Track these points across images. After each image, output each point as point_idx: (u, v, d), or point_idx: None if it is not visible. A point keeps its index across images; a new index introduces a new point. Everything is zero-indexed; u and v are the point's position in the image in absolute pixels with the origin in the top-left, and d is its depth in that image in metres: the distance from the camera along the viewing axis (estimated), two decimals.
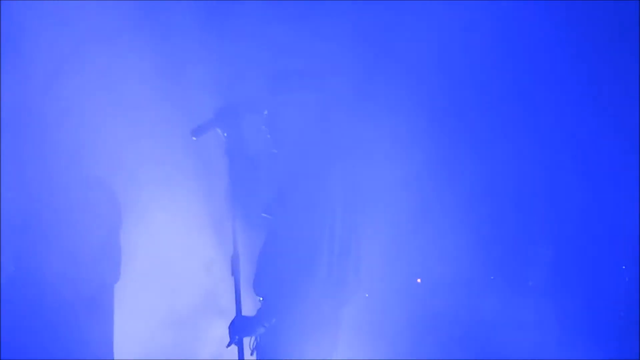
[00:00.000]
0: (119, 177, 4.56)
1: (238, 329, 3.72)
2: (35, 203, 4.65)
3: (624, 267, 4.97)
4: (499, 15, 4.85)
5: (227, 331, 3.73)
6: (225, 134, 3.92)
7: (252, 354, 3.77)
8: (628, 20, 4.92)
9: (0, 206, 4.64)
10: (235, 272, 3.80)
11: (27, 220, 4.68)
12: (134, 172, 4.63)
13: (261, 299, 3.81)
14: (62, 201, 4.55)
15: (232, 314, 3.74)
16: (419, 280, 5.07)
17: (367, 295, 4.99)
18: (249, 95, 4.07)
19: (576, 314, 4.97)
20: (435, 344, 4.92)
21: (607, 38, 4.95)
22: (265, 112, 3.92)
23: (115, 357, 4.49)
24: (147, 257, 4.64)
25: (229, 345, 3.73)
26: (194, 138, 3.90)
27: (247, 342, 3.74)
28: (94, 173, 4.54)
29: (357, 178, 4.17)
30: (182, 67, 4.77)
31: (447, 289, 4.96)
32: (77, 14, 4.67)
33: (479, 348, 4.89)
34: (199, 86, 4.70)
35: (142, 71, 4.66)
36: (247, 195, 3.92)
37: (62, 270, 4.48)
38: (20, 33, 4.70)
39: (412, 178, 4.86)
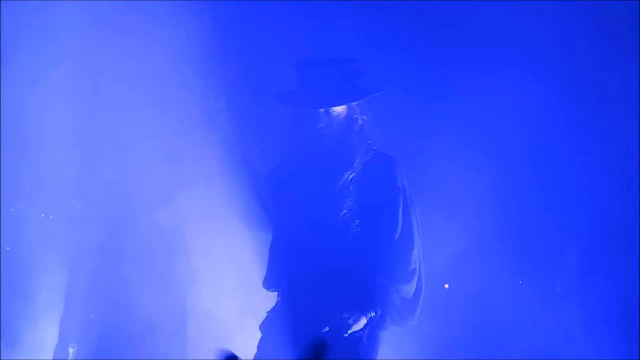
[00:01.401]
0: (123, 176, 4.58)
1: None
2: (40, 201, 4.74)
3: None
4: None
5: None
6: None
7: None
8: (628, 20, 4.95)
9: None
10: None
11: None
12: (137, 172, 4.63)
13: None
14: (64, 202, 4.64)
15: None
16: (446, 286, 5.07)
17: None
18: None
19: (604, 318, 4.96)
20: (461, 348, 4.92)
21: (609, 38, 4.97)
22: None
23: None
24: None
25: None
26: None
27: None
28: (96, 172, 4.60)
29: None
30: (186, 67, 4.79)
31: (474, 293, 4.95)
32: (77, 14, 4.74)
33: (506, 351, 4.89)
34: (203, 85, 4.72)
35: (145, 70, 4.72)
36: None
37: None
38: (20, 33, 4.78)
39: (438, 182, 4.88)
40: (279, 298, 3.87)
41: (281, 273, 3.86)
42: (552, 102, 5.01)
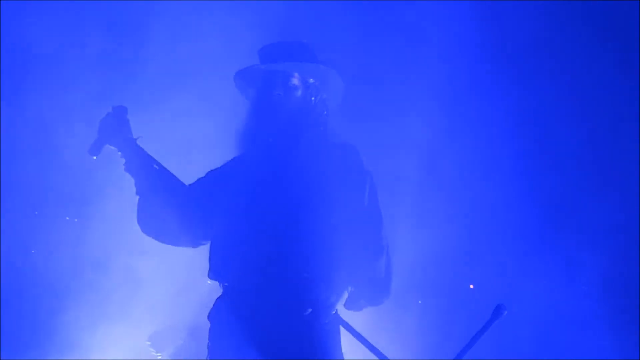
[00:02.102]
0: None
1: None
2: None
3: None
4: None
5: None
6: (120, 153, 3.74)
7: None
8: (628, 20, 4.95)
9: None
10: None
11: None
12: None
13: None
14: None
15: None
16: (471, 287, 5.06)
17: (420, 302, 5.01)
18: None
19: (629, 317, 4.95)
20: (487, 347, 4.90)
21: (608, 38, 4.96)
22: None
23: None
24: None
25: None
26: (94, 157, 3.72)
27: None
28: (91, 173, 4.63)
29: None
30: (187, 65, 4.83)
31: (500, 294, 4.94)
32: (77, 14, 4.78)
33: (531, 351, 4.88)
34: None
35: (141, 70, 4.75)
36: None
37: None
38: (20, 33, 4.82)
39: (463, 182, 4.89)
40: (227, 285, 3.63)
41: (233, 261, 3.62)
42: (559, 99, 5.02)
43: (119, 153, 3.73)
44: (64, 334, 4.75)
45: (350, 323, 3.69)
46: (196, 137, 4.63)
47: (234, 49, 4.61)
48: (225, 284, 3.62)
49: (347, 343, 3.70)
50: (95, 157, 3.72)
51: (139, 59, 4.87)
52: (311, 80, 3.75)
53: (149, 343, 4.43)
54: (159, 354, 4.39)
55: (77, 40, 4.87)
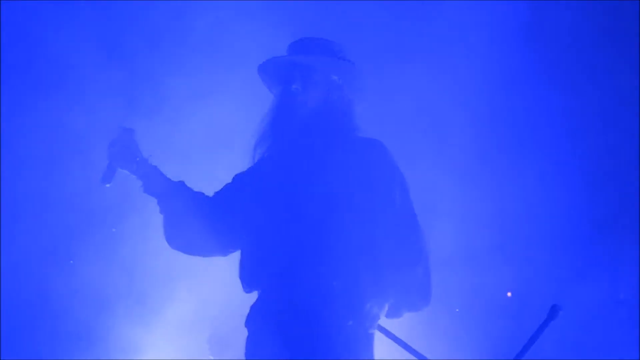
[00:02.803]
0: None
1: None
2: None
3: None
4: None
5: None
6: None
7: None
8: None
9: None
10: None
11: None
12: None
13: None
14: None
15: None
16: (509, 294, 5.05)
17: (457, 310, 5.01)
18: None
19: None
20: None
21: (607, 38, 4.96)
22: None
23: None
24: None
25: None
26: (108, 185, 3.62)
27: None
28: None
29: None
30: (185, 66, 4.88)
31: (538, 303, 4.93)
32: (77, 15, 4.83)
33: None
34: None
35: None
36: None
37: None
38: (20, 33, 4.87)
39: (507, 185, 4.89)
40: (261, 293, 3.52)
41: (265, 268, 3.49)
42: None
43: (134, 176, 3.64)
44: (105, 337, 4.82)
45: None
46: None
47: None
48: (260, 291, 3.55)
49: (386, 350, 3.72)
50: (108, 185, 3.63)
51: (173, 68, 4.92)
52: (334, 77, 3.59)
53: (207, 346, 4.43)
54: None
55: (116, 49, 4.93)
